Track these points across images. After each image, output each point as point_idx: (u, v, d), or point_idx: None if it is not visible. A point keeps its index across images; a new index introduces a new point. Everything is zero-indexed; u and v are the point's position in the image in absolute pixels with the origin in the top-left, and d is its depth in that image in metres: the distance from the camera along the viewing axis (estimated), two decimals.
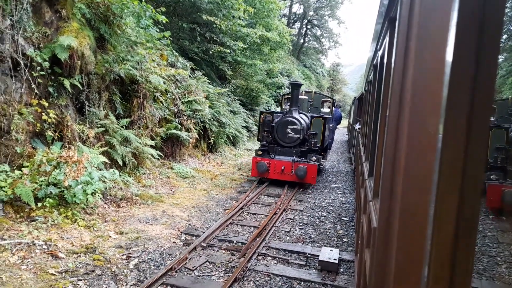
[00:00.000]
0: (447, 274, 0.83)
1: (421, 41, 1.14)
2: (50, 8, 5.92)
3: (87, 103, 6.72)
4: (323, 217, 7.03)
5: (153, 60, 8.66)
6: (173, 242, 5.34)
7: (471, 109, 0.79)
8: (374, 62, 3.45)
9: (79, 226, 5.20)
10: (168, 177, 8.77)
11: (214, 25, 14.29)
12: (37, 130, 5.66)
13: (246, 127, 16.94)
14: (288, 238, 5.82)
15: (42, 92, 5.82)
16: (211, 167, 11.19)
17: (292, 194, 8.43)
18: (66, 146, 5.93)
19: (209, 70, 15.89)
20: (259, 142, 10.14)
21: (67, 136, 6.09)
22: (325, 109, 13.51)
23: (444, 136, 0.83)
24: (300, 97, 10.45)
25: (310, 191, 9.04)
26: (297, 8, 43.73)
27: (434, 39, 1.00)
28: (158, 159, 8.69)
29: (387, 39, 2.18)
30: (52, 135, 5.84)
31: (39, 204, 5.05)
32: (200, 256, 4.85)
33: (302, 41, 44.50)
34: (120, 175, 6.92)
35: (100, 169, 6.20)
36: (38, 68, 5.52)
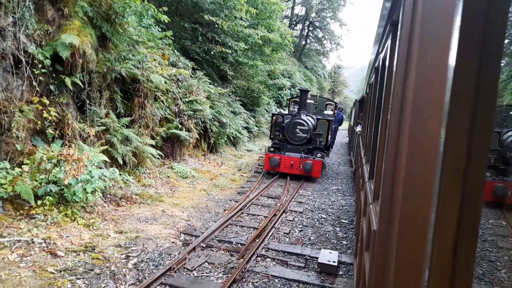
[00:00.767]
0: (447, 278, 0.83)
1: (423, 45, 1.14)
2: (53, 6, 5.93)
3: (88, 102, 6.72)
4: (323, 219, 7.02)
5: (154, 60, 8.66)
6: (172, 242, 5.34)
7: (474, 113, 0.79)
8: (376, 64, 3.46)
9: (78, 224, 5.19)
10: (168, 176, 8.77)
11: (216, 26, 14.30)
12: (37, 128, 5.66)
13: (246, 128, 16.94)
14: (287, 239, 5.81)
15: (43, 90, 5.83)
16: (211, 167, 11.18)
17: (291, 195, 8.42)
18: (66, 144, 5.93)
19: (210, 70, 15.90)
20: (271, 140, 11.53)
21: (68, 134, 6.09)
22: (328, 112, 14.63)
23: (446, 140, 0.82)
24: (307, 101, 11.49)
25: (310, 193, 9.04)
26: (299, 10, 43.83)
27: (437, 43, 1.00)
28: (158, 158, 8.69)
29: (389, 42, 2.18)
30: (53, 133, 5.84)
31: (39, 202, 5.05)
32: (199, 257, 4.85)
33: (303, 42, 44.53)
34: (120, 174, 6.92)
35: (100, 168, 6.20)
36: (40, 65, 5.52)
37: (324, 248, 5.45)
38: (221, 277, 4.39)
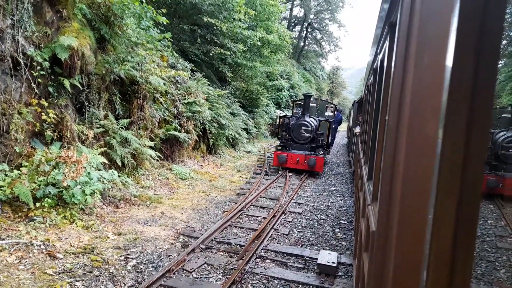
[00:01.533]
0: (446, 278, 0.83)
1: (421, 46, 1.15)
2: (51, 8, 5.93)
3: (86, 103, 6.71)
4: (322, 220, 7.02)
5: (153, 61, 8.66)
6: (172, 243, 5.33)
7: (471, 114, 0.79)
8: (374, 66, 3.47)
9: (77, 226, 5.18)
10: (167, 178, 8.76)
11: (215, 27, 14.32)
12: (36, 130, 5.65)
13: (245, 129, 16.93)
14: (286, 240, 5.81)
15: (42, 92, 5.82)
16: (210, 168, 11.18)
17: (290, 196, 8.42)
18: (65, 146, 5.92)
19: (209, 72, 15.92)
20: (278, 140, 13.22)
21: (67, 136, 6.08)
22: (329, 113, 16.09)
23: (444, 141, 0.83)
24: (310, 104, 12.72)
25: (309, 194, 9.04)
26: (298, 11, 43.91)
27: (434, 44, 1.00)
28: (157, 160, 8.68)
29: (387, 43, 2.19)
30: (52, 135, 5.83)
31: (38, 204, 5.03)
32: (198, 258, 4.84)
33: (302, 44, 44.60)
34: (119, 176, 6.91)
35: (99, 170, 6.18)
36: (38, 67, 5.52)
37: (323, 249, 5.45)
38: (220, 278, 4.38)
